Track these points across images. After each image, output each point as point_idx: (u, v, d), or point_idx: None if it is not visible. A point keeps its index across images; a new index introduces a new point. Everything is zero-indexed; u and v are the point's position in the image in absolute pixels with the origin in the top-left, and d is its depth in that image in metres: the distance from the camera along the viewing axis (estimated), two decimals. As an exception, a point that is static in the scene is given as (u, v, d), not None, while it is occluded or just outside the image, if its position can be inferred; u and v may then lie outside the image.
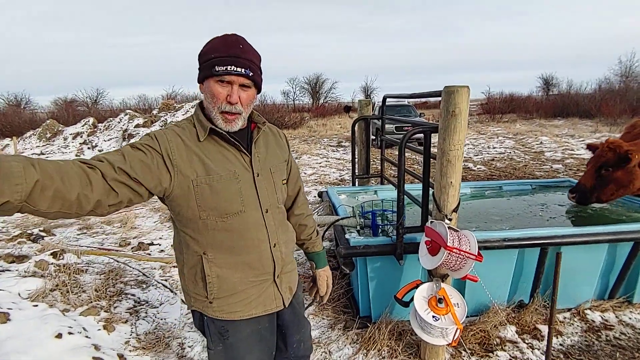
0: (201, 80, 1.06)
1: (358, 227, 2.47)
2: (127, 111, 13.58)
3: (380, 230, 2.53)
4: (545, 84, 33.88)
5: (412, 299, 1.85)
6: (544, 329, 2.35)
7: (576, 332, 2.33)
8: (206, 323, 1.15)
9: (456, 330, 1.74)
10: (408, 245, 2.12)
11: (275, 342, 1.29)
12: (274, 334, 1.27)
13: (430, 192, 2.04)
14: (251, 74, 1.04)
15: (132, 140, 10.07)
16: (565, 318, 2.45)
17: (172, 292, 2.91)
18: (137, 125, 12.11)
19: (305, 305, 1.53)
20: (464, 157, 9.23)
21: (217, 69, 1.00)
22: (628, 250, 2.41)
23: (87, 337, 2.14)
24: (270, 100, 31.68)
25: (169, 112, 13.18)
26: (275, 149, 1.24)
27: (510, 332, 2.31)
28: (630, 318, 2.46)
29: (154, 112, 14.17)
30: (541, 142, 10.99)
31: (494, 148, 10.57)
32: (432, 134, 2.11)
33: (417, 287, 1.88)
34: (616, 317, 2.47)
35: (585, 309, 2.51)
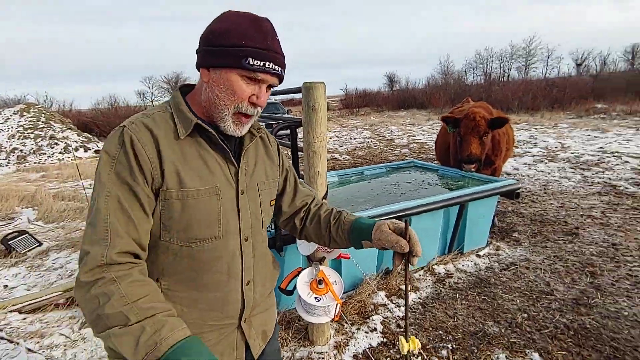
0: (214, 66, 0.81)
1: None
2: None
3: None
4: (390, 81, 39.21)
5: (295, 287, 1.93)
6: (406, 288, 2.76)
7: (429, 285, 2.83)
8: None
9: (337, 306, 1.89)
10: (286, 236, 2.20)
11: None
12: None
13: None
14: (284, 73, 0.86)
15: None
16: (420, 275, 2.94)
17: (11, 342, 2.34)
18: None
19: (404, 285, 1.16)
20: (331, 148, 10.06)
21: (251, 63, 0.78)
22: (456, 212, 3.03)
23: None
24: (123, 102, 28.12)
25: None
26: (266, 162, 1.00)
27: (381, 297, 2.64)
28: (463, 265, 3.10)
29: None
30: (391, 131, 12.74)
31: (355, 139, 11.76)
32: (298, 128, 2.22)
33: (298, 274, 1.97)
34: (454, 266, 3.08)
35: (433, 265, 3.05)
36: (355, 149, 9.76)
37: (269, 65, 0.80)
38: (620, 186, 5.00)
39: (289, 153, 2.32)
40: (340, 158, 8.60)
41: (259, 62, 0.78)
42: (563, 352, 2.04)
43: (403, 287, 2.76)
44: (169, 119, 0.83)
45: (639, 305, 2.41)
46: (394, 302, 2.61)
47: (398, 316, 2.45)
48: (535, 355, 2.03)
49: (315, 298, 1.90)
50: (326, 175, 2.07)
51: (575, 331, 2.20)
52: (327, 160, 8.53)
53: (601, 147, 7.47)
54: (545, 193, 4.99)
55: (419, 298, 2.67)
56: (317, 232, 1.08)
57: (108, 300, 0.66)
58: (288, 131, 2.36)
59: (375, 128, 14.13)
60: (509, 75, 32.28)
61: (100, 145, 12.60)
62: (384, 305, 2.57)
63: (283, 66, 0.84)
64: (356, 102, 25.26)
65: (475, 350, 2.10)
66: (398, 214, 2.58)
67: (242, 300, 0.92)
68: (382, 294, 2.67)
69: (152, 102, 38.51)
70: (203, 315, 0.87)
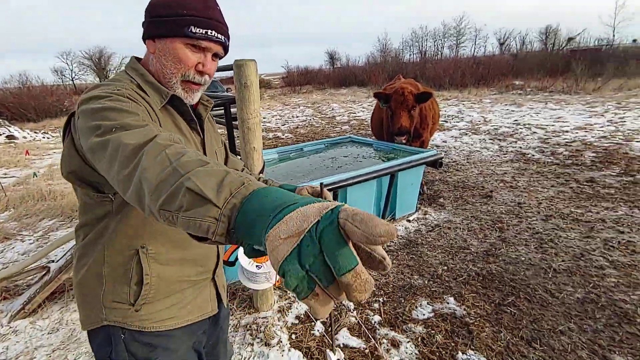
0: (159, 36, 0.84)
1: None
2: None
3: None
4: (331, 58, 39.28)
5: (237, 258, 2.03)
6: (344, 253, 2.99)
7: (364, 249, 3.08)
8: (124, 342, 0.88)
9: (277, 272, 2.04)
10: (227, 211, 2.27)
11: None
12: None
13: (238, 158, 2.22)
14: (228, 43, 0.90)
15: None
16: (357, 241, 3.19)
17: None
18: None
19: None
20: (274, 127, 10.02)
21: (193, 31, 0.82)
22: (388, 182, 3.30)
23: None
24: (37, 81, 25.08)
25: None
26: (213, 132, 1.10)
27: (321, 263, 2.84)
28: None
29: None
30: (333, 109, 12.96)
31: (297, 117, 11.80)
32: (231, 105, 2.26)
33: (239, 246, 2.07)
34: (387, 231, 3.38)
35: (369, 231, 3.32)
36: (297, 127, 9.83)
37: (211, 33, 0.84)
38: (528, 154, 5.71)
39: (224, 131, 2.35)
40: (283, 136, 8.63)
41: (201, 30, 0.82)
42: (473, 294, 2.40)
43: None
44: (140, 90, 0.85)
45: (533, 252, 2.88)
46: (333, 267, 2.82)
47: (337, 279, 2.67)
48: (451, 299, 2.36)
49: (257, 266, 2.02)
50: (262, 151, 2.15)
51: (484, 277, 2.59)
52: (270, 138, 8.49)
53: (516, 120, 8.36)
54: (468, 162, 5.54)
55: (355, 261, 2.91)
56: None
57: (183, 155, 0.56)
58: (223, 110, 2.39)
59: (317, 106, 14.25)
60: (441, 53, 34.02)
61: (14, 129, 11.23)
62: (324, 270, 2.77)
63: (227, 35, 0.88)
64: (298, 80, 25.09)
65: (403, 301, 2.38)
66: (333, 186, 2.76)
67: (217, 253, 1.05)
68: (322, 260, 2.86)
69: (72, 80, 34.68)
70: (188, 271, 0.95)
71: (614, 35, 22.44)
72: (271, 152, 3.92)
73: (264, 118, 11.94)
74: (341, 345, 2.00)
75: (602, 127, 7.00)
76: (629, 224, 3.21)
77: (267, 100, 18.46)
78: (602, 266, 2.62)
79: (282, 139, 8.38)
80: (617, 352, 1.87)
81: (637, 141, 5.76)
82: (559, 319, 2.13)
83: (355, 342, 2.03)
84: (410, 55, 35.37)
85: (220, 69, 2.59)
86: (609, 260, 2.68)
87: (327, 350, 1.46)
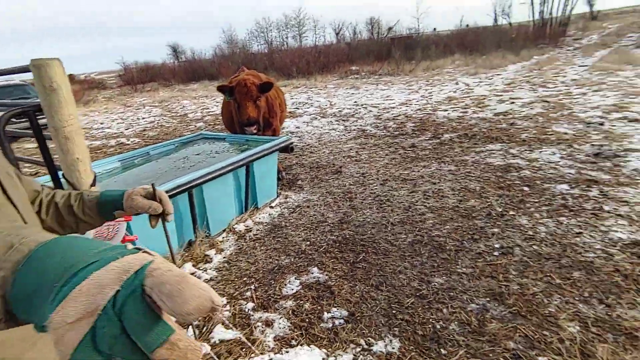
0: None
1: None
2: None
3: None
4: (174, 52, 36.38)
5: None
6: (212, 252, 2.94)
7: (231, 244, 3.09)
8: None
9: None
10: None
11: None
12: None
13: (60, 174, 1.92)
14: None
15: None
16: (223, 238, 3.17)
17: None
18: None
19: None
20: (115, 132, 8.83)
21: None
22: (244, 173, 3.35)
23: None
24: None
25: None
26: None
27: (188, 268, 2.73)
28: (259, 218, 3.51)
29: None
30: (183, 106, 12.15)
31: (144, 118, 10.66)
32: (38, 113, 1.92)
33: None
34: (252, 221, 3.46)
35: (233, 225, 3.33)
36: (144, 130, 8.90)
37: None
38: (367, 130, 6.57)
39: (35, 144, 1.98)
40: (128, 142, 7.71)
41: None
42: (332, 260, 2.70)
43: (208, 251, 2.93)
44: None
45: (375, 212, 3.39)
46: (201, 268, 2.75)
47: (206, 279, 2.62)
48: (315, 269, 2.61)
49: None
50: (89, 161, 1.91)
51: (340, 242, 2.93)
52: (112, 146, 7.47)
53: (355, 101, 9.46)
54: (320, 144, 6.04)
55: (223, 257, 2.90)
56: (60, 220, 1.02)
57: None
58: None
59: (166, 104, 13.13)
60: (287, 43, 35.37)
61: None
62: (193, 274, 2.67)
63: None
64: (139, 78, 22.48)
65: (273, 282, 2.51)
66: (186, 186, 2.65)
67: None
68: (188, 265, 2.76)
69: None
70: None
71: (418, 25, 27.40)
72: (111, 160, 3.49)
73: (101, 123, 10.37)
74: (217, 342, 2.00)
75: (417, 101, 8.56)
76: (439, 176, 4.09)
77: (103, 102, 16.03)
78: (423, 212, 3.28)
79: (128, 144, 7.49)
80: (436, 275, 2.41)
81: (440, 111, 7.27)
82: (397, 262, 2.60)
83: (231, 334, 2.06)
84: (258, 45, 35.65)
85: (15, 72, 2.15)
86: (427, 206, 3.38)
87: None
